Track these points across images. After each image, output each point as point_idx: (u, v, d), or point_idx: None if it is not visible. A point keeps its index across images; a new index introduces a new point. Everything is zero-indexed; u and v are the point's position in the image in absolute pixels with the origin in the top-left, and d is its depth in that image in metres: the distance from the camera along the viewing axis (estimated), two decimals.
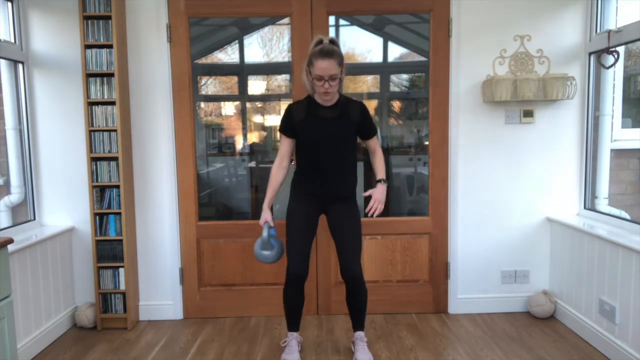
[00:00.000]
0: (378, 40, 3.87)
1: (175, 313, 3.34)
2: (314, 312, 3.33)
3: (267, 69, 4.22)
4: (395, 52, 4.16)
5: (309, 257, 2.64)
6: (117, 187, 3.08)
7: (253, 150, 4.26)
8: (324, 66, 2.35)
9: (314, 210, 2.62)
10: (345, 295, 2.69)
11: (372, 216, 2.55)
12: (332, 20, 3.38)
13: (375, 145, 2.67)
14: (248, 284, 3.36)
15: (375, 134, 2.65)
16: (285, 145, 2.63)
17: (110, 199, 3.10)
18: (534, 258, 3.31)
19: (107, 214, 3.11)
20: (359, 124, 2.57)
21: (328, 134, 2.51)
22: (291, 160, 2.71)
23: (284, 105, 3.95)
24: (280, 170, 2.64)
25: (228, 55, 4.12)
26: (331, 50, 2.38)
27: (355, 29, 3.79)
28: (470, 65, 3.18)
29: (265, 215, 2.61)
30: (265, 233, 2.58)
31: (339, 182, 2.59)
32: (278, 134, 2.69)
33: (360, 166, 2.74)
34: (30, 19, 3.12)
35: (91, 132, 3.04)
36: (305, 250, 2.60)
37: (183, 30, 3.18)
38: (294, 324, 2.75)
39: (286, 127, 2.60)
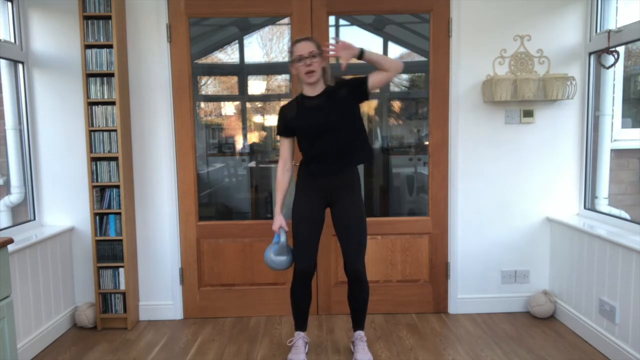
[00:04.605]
0: (378, 40, 3.88)
1: (175, 313, 3.34)
2: (314, 312, 3.33)
3: (267, 69, 4.23)
4: (395, 52, 4.16)
5: (317, 253, 2.64)
6: (117, 187, 3.08)
7: (253, 150, 4.27)
8: (301, 46, 2.49)
9: (319, 204, 2.61)
10: (347, 292, 2.70)
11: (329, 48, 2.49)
12: (332, 20, 3.38)
13: (375, 71, 2.52)
14: (248, 284, 3.36)
15: (365, 76, 2.52)
16: (285, 147, 2.65)
17: (110, 199, 3.10)
18: (534, 258, 3.31)
19: (107, 214, 3.11)
20: (348, 90, 2.53)
21: (320, 120, 2.51)
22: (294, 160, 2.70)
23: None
24: (285, 172, 2.65)
25: (228, 55, 4.13)
26: (306, 37, 2.57)
27: (355, 29, 3.79)
28: (470, 65, 3.18)
29: (280, 220, 2.60)
30: (283, 238, 2.56)
31: (340, 166, 2.57)
32: (278, 135, 2.68)
33: (360, 168, 2.71)
34: (30, 19, 3.12)
35: (91, 132, 3.04)
36: (312, 247, 2.60)
37: (183, 30, 3.18)
38: (301, 323, 2.75)
39: (283, 127, 2.63)
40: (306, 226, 2.59)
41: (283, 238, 2.57)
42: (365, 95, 2.54)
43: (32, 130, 3.18)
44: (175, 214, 3.28)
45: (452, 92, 3.21)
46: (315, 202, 2.60)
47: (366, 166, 4.01)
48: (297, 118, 2.56)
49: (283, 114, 2.62)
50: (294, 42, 2.54)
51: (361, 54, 2.49)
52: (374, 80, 2.51)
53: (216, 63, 4.17)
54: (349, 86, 2.55)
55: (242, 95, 4.34)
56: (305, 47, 2.47)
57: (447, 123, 3.26)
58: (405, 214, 4.20)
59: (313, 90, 2.55)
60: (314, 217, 2.60)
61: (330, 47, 2.49)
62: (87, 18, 2.98)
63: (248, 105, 4.38)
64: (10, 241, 2.04)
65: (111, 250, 3.13)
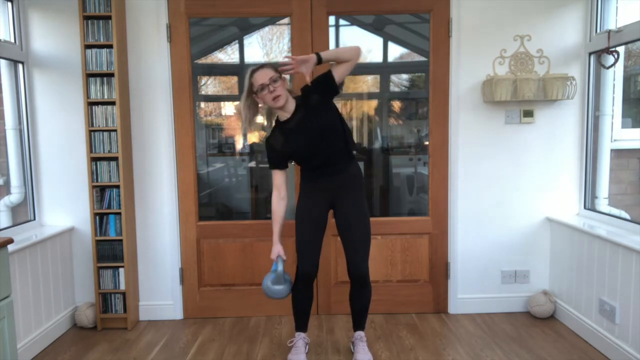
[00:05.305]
0: (378, 40, 3.87)
1: (175, 313, 3.34)
2: (314, 312, 3.33)
3: None
4: (395, 52, 4.16)
5: (319, 255, 2.63)
6: (117, 187, 3.08)
7: (253, 150, 4.26)
8: (260, 75, 2.42)
9: (322, 205, 2.60)
10: (349, 293, 2.69)
11: (284, 66, 2.43)
12: (332, 20, 3.38)
13: (339, 64, 2.47)
14: (248, 284, 3.36)
15: (328, 71, 2.47)
16: (279, 177, 2.61)
17: (110, 199, 3.10)
18: (534, 258, 3.31)
19: (107, 214, 3.11)
20: (319, 94, 2.48)
21: (309, 136, 2.48)
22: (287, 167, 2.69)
23: None
24: (280, 202, 2.62)
25: (228, 55, 4.12)
26: (260, 65, 2.48)
27: (355, 29, 3.78)
28: (470, 65, 3.18)
29: (278, 249, 2.58)
30: (280, 267, 2.55)
31: (341, 166, 2.57)
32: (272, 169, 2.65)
33: (360, 166, 2.71)
34: (30, 19, 3.12)
35: (91, 132, 3.04)
36: (314, 249, 2.60)
37: (183, 30, 3.18)
38: (302, 324, 2.74)
39: (276, 160, 2.60)
40: (307, 227, 2.59)
41: (280, 267, 2.55)
42: (336, 90, 2.50)
43: (32, 130, 3.18)
44: (175, 214, 3.28)
45: (452, 92, 3.21)
46: (317, 204, 2.60)
47: (366, 166, 4.01)
48: (287, 144, 2.52)
49: (272, 147, 2.57)
50: (250, 73, 2.45)
51: (319, 59, 2.42)
52: (339, 73, 2.47)
53: (216, 63, 4.16)
54: (318, 89, 2.49)
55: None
56: (264, 75, 2.41)
57: (447, 123, 3.26)
58: (405, 214, 4.20)
59: (288, 112, 2.51)
60: (315, 218, 2.60)
61: (288, 66, 2.42)
62: (87, 18, 2.98)
63: None
64: (10, 241, 2.04)
65: (111, 250, 3.13)
